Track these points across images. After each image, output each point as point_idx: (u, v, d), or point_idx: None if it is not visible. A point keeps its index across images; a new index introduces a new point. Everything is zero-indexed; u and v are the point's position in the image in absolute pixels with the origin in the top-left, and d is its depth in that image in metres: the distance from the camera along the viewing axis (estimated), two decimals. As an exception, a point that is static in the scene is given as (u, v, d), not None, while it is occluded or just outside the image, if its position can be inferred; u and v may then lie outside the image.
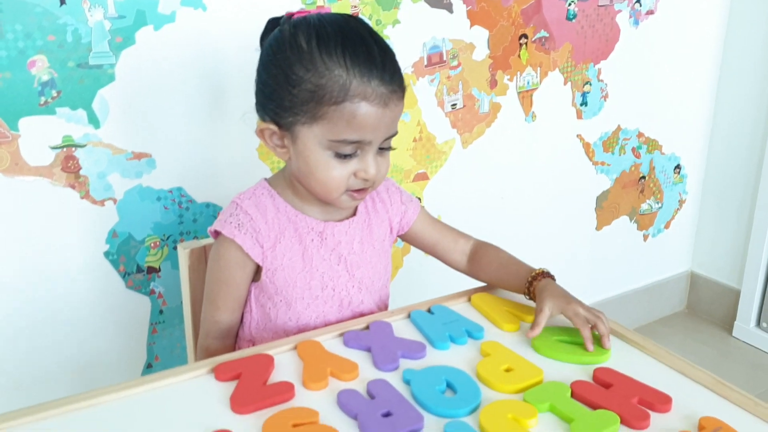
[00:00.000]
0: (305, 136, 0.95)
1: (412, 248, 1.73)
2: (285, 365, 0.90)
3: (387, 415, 0.80)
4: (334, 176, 0.96)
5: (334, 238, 1.04)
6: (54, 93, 1.21)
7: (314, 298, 1.04)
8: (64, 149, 1.24)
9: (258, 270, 1.04)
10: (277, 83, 0.95)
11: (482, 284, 1.14)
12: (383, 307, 1.12)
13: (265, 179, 1.07)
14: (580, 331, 0.95)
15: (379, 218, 1.10)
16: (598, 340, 0.95)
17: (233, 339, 1.09)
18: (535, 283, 1.04)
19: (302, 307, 1.04)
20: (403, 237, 1.16)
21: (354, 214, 1.07)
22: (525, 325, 1.01)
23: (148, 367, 1.43)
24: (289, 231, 1.02)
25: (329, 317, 1.05)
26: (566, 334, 0.97)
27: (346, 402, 0.82)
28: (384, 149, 0.98)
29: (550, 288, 1.01)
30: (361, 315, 1.07)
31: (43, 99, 1.20)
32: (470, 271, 1.16)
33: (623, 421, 0.79)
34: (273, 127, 0.98)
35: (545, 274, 1.05)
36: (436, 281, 1.78)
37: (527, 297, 1.05)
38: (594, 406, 0.81)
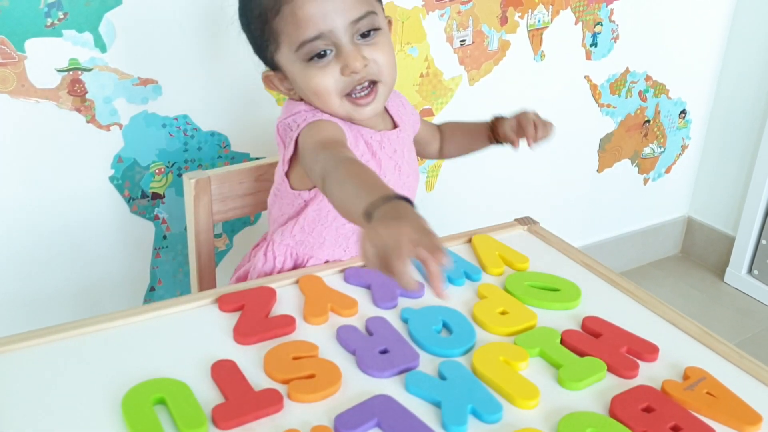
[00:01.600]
0: (285, 63, 0.97)
1: (414, 184, 1.74)
2: (287, 299, 0.92)
3: (384, 351, 0.82)
4: (320, 83, 0.95)
5: (390, 146, 1.05)
6: (60, 15, 1.19)
7: None
8: (71, 72, 1.24)
9: None
10: (248, 31, 1.00)
11: (481, 227, 1.15)
12: None
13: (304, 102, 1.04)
14: (524, 127, 1.08)
15: (409, 126, 1.13)
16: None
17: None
18: (495, 123, 1.14)
19: None
20: None
21: (395, 125, 1.09)
22: (509, 270, 1.03)
23: (151, 291, 1.46)
24: (359, 137, 1.02)
25: None
26: (538, 280, 0.98)
27: (345, 337, 0.84)
28: (366, 37, 0.96)
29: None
30: None
31: (49, 20, 1.19)
32: (445, 151, 1.23)
33: (612, 370, 0.82)
34: (270, 72, 1.01)
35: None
36: (436, 218, 1.80)
37: (495, 142, 1.16)
38: (582, 354, 0.84)
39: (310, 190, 1.04)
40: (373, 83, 0.98)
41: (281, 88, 1.02)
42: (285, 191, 1.06)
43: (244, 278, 1.12)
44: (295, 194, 1.05)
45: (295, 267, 1.08)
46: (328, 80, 0.95)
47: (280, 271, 1.08)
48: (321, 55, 0.94)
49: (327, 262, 1.07)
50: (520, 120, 1.10)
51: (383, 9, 1.03)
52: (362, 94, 0.97)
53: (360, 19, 0.94)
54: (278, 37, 0.95)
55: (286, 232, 1.08)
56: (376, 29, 0.96)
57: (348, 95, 0.97)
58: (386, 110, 1.10)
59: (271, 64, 1.00)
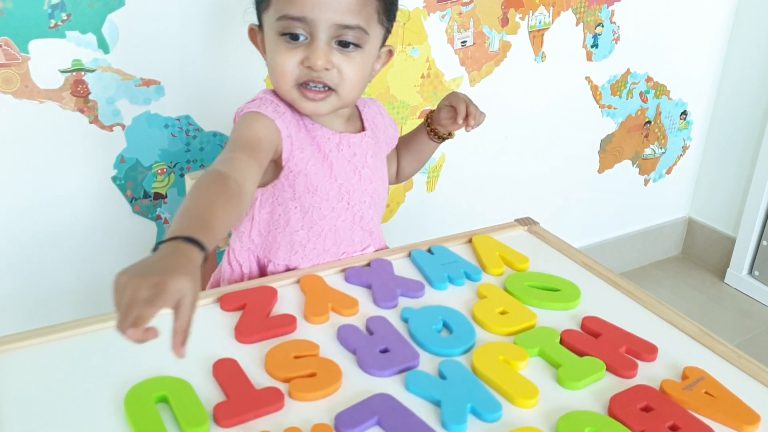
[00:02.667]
0: (266, 24, 0.98)
1: (415, 184, 1.74)
2: (288, 298, 0.93)
3: (384, 351, 0.83)
4: (280, 62, 0.96)
5: (350, 149, 1.05)
6: (64, 16, 1.20)
7: (331, 209, 1.04)
8: (74, 73, 1.24)
9: (275, 171, 1.02)
10: None
11: (481, 227, 1.16)
12: (379, 223, 1.15)
13: (271, 91, 1.04)
14: (457, 108, 1.10)
15: (383, 136, 1.13)
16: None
17: (234, 180, 0.87)
18: (430, 119, 1.16)
19: (318, 216, 1.03)
20: None
21: (363, 128, 1.09)
22: (509, 270, 1.03)
23: (153, 290, 1.47)
24: (308, 139, 1.02)
25: (341, 232, 1.06)
26: (538, 280, 0.99)
27: (345, 337, 0.85)
28: (345, 47, 0.96)
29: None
30: (369, 232, 1.10)
31: (53, 22, 1.19)
32: (401, 170, 1.23)
33: (611, 370, 0.83)
34: (256, 26, 1.01)
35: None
36: (437, 218, 1.81)
37: (435, 138, 1.17)
38: (582, 354, 0.84)
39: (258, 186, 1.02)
40: (329, 89, 0.98)
41: (259, 46, 1.03)
42: None
43: (216, 287, 1.11)
44: None
45: (260, 271, 1.08)
46: (288, 63, 0.96)
47: (250, 277, 1.06)
48: (294, 37, 0.95)
49: (288, 268, 1.05)
50: (452, 103, 1.12)
51: (386, 35, 1.03)
52: (316, 88, 0.97)
53: (346, 28, 0.94)
54: None
55: (245, 237, 1.07)
56: (357, 45, 0.96)
57: (300, 85, 0.97)
58: (358, 113, 1.10)
59: (260, 20, 1.01)
